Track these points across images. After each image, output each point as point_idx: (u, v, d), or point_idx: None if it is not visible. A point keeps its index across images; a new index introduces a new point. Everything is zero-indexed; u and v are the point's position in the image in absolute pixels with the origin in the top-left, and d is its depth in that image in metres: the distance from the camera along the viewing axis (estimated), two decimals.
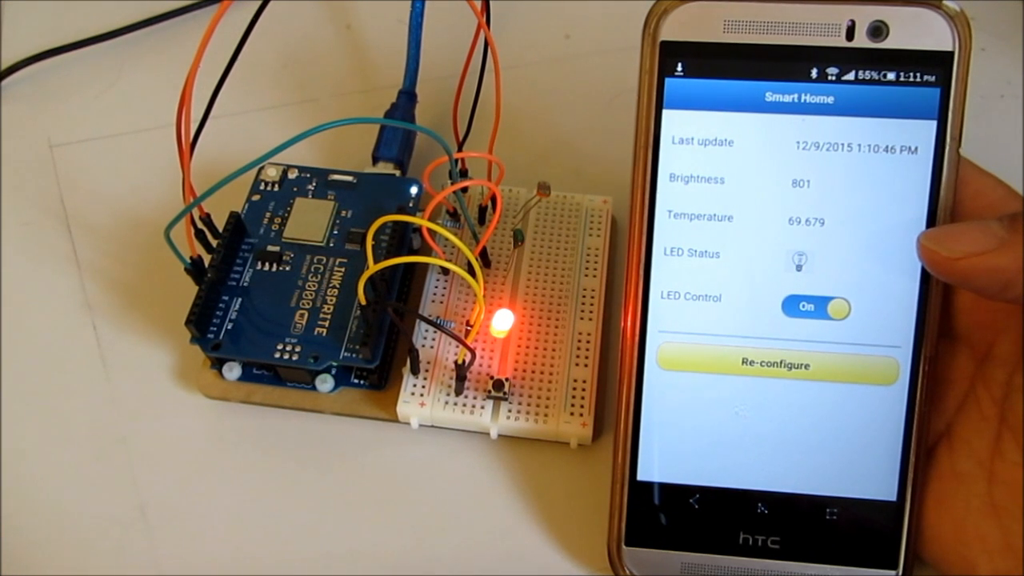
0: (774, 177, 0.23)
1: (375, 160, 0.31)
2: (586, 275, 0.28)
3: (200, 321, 0.26)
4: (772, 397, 0.23)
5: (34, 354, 0.29)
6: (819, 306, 0.23)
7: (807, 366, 0.23)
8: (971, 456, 0.22)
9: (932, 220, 0.22)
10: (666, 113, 0.23)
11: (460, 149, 0.29)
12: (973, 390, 0.23)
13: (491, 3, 0.29)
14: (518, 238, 0.28)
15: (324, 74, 0.36)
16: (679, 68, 0.23)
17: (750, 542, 0.23)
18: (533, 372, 0.27)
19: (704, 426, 0.23)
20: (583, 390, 0.26)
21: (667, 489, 0.23)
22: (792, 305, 0.23)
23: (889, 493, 0.23)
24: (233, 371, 0.27)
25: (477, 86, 0.29)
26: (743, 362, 0.23)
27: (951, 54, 0.22)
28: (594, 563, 0.25)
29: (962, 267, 0.20)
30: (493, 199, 0.29)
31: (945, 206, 0.22)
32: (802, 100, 0.23)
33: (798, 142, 0.23)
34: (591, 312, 0.28)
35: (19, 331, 0.29)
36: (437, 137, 0.24)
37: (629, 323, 0.23)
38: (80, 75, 0.36)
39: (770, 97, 0.23)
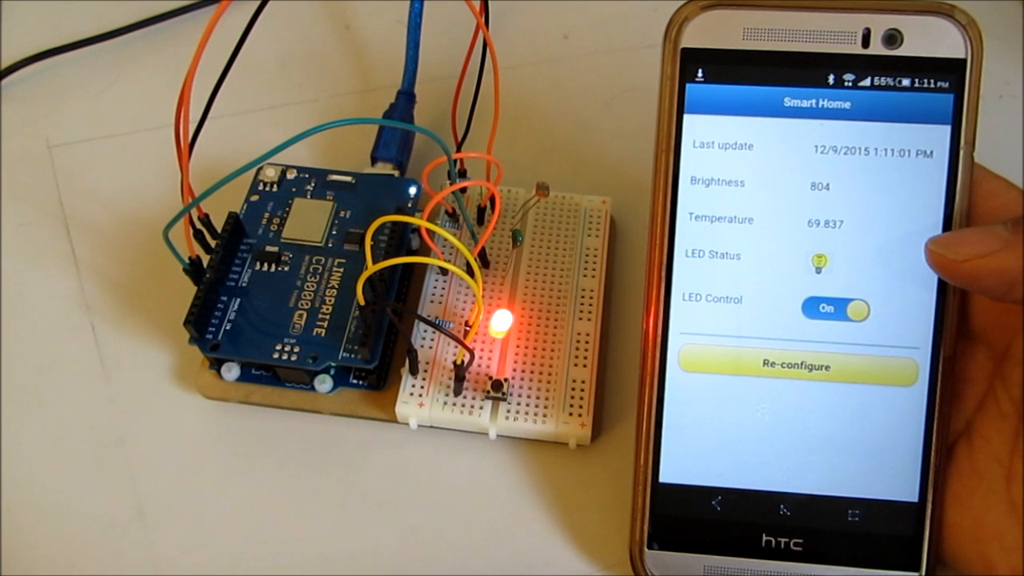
0: (793, 180, 0.23)
1: (374, 160, 0.31)
2: (585, 275, 0.28)
3: (199, 321, 0.26)
4: (793, 398, 0.23)
5: (32, 355, 0.29)
6: (839, 308, 0.23)
7: (827, 367, 0.23)
8: (990, 454, 0.22)
9: (948, 222, 0.23)
10: (687, 118, 0.23)
11: (459, 149, 0.29)
12: (992, 389, 0.23)
13: (490, 3, 0.29)
14: (517, 238, 0.28)
15: (323, 74, 0.36)
16: (699, 74, 0.23)
17: (773, 544, 0.23)
18: (532, 372, 0.27)
19: (726, 428, 0.23)
20: (582, 391, 0.26)
21: (689, 491, 0.23)
22: (812, 307, 0.23)
23: (911, 494, 0.23)
24: (232, 371, 0.27)
25: (476, 86, 0.29)
26: (764, 363, 0.23)
27: (964, 61, 0.22)
28: (593, 563, 0.25)
29: (967, 269, 0.21)
30: (492, 199, 0.29)
31: (960, 208, 0.23)
32: (820, 105, 0.23)
33: (816, 146, 0.23)
34: (590, 312, 0.28)
35: (17, 331, 0.29)
36: (436, 137, 0.24)
37: (651, 325, 0.23)
38: (79, 75, 0.36)
39: (788, 102, 0.23)
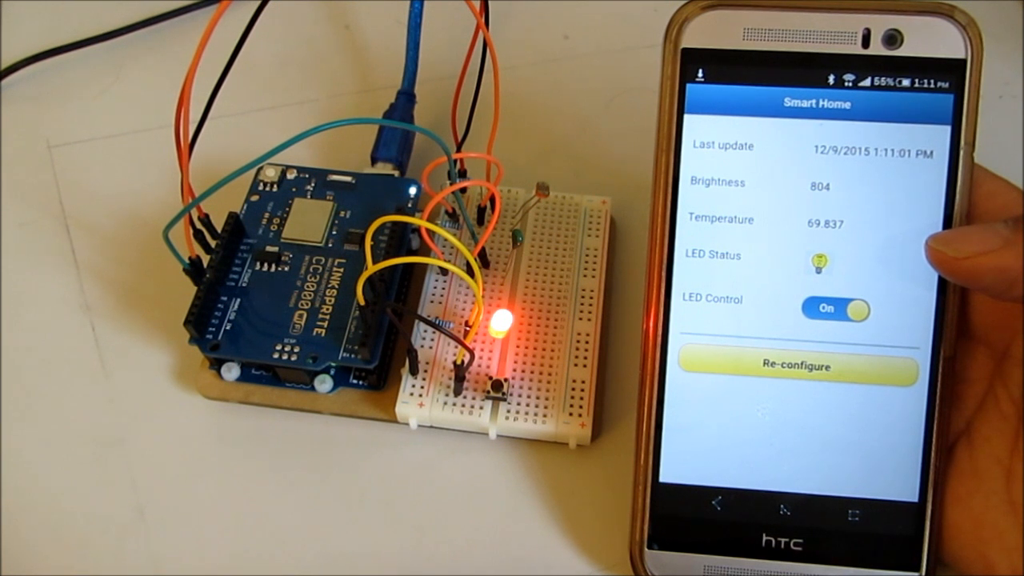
0: (793, 180, 0.23)
1: (374, 160, 0.31)
2: (585, 275, 0.28)
3: (199, 321, 0.26)
4: (793, 398, 0.23)
5: (33, 355, 0.29)
6: (839, 308, 0.23)
7: (828, 367, 0.23)
8: (990, 454, 0.22)
9: (948, 222, 0.23)
10: (687, 118, 0.23)
11: (459, 149, 0.29)
12: (992, 389, 0.23)
13: (490, 3, 0.29)
14: (517, 238, 0.28)
15: (323, 74, 0.36)
16: (700, 74, 0.23)
17: (773, 544, 0.23)
18: (532, 373, 0.27)
19: (726, 427, 0.23)
20: (582, 391, 0.26)
21: (689, 491, 0.23)
22: (812, 307, 0.23)
23: (911, 494, 0.23)
24: (232, 371, 0.27)
25: (476, 86, 0.29)
26: (764, 363, 0.23)
27: (963, 62, 0.23)
28: (593, 563, 0.25)
29: (968, 267, 0.21)
30: (492, 199, 0.29)
31: (960, 208, 0.23)
32: (820, 105, 0.23)
33: (816, 146, 0.23)
34: (590, 312, 0.28)
35: (18, 332, 0.29)
36: (436, 137, 0.24)
37: (651, 325, 0.23)
38: (79, 75, 0.36)
39: (789, 102, 0.23)
